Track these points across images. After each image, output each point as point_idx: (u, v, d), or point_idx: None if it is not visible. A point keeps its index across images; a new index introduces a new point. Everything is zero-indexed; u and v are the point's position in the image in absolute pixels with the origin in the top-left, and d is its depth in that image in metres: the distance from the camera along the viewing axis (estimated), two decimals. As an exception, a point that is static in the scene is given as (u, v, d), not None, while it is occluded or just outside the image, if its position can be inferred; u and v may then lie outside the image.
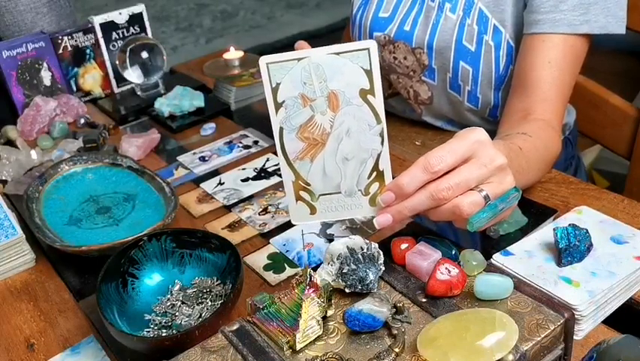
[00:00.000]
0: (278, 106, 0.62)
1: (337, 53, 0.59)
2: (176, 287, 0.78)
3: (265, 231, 0.93)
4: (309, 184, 0.65)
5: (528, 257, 0.72)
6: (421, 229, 0.69)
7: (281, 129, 0.63)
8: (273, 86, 0.61)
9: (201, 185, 1.07)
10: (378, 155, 0.63)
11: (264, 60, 0.61)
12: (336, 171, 0.64)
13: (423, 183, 0.61)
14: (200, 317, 0.74)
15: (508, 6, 0.98)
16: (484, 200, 0.61)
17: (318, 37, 4.10)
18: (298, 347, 0.56)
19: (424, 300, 0.60)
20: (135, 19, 1.43)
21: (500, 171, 0.63)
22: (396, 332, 0.56)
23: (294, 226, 0.93)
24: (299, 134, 0.63)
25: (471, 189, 0.62)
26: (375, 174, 0.64)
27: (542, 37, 0.92)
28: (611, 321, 0.69)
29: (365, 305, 0.57)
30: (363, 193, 0.65)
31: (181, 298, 0.76)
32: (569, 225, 0.70)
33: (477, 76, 1.04)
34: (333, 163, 0.64)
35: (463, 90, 1.06)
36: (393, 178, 0.63)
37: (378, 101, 0.61)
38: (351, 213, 0.66)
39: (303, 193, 0.66)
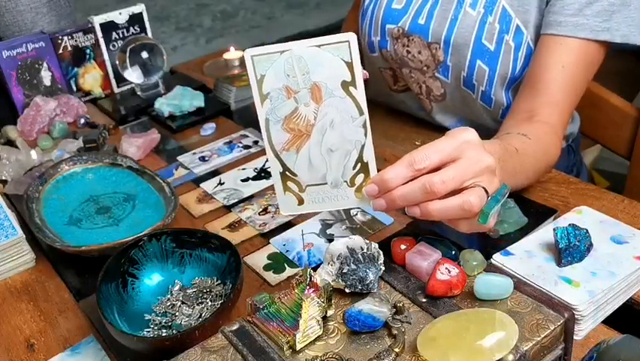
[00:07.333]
0: (263, 98, 0.63)
1: (318, 46, 0.60)
2: (176, 287, 0.78)
3: (265, 231, 0.93)
4: (295, 175, 0.66)
5: (528, 257, 0.72)
6: (421, 229, 0.69)
7: (267, 120, 0.64)
8: (258, 78, 0.62)
9: (201, 185, 1.07)
10: (362, 146, 0.64)
11: (248, 53, 0.62)
12: (321, 162, 0.65)
13: (407, 179, 0.61)
14: (200, 317, 0.74)
15: (533, 7, 0.96)
16: (485, 193, 0.61)
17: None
18: (298, 347, 0.56)
19: (424, 300, 0.60)
20: (135, 19, 1.43)
21: (489, 172, 0.62)
22: (396, 332, 0.56)
23: (294, 225, 0.93)
24: (284, 125, 0.64)
25: (466, 187, 0.61)
26: (359, 165, 0.64)
27: (560, 40, 0.91)
28: (611, 321, 0.69)
29: (365, 305, 0.57)
30: (349, 184, 0.65)
31: (181, 298, 0.76)
32: (569, 225, 0.70)
33: (493, 77, 1.01)
34: (318, 154, 0.65)
35: (477, 90, 1.04)
36: (378, 170, 0.64)
37: (360, 92, 0.62)
38: (338, 205, 0.67)
39: (290, 184, 0.67)
